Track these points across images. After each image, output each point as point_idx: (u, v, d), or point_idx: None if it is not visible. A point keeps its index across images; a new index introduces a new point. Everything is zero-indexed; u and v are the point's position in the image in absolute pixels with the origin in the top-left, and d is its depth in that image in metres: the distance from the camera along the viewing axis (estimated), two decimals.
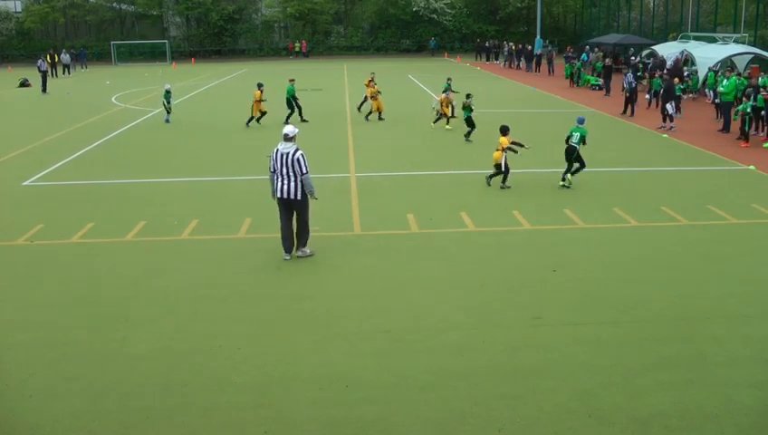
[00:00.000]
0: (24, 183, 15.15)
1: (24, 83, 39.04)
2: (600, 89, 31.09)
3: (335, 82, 37.37)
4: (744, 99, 19.24)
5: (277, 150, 9.93)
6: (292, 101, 22.18)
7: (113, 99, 31.50)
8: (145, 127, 23.21)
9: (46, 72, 37.09)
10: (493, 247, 10.49)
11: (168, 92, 23.35)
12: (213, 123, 23.52)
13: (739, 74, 23.87)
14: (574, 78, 34.40)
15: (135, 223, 11.84)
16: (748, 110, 18.81)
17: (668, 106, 20.78)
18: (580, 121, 13.90)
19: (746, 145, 18.39)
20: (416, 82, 37.31)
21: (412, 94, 30.50)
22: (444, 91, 21.64)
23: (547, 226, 11.47)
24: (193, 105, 29.06)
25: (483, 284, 9.06)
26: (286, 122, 20.44)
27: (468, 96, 19.50)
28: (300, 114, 22.48)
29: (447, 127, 21.26)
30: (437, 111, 21.81)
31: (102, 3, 64.24)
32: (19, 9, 63.29)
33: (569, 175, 13.91)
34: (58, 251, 10.63)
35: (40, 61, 38.12)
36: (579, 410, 6.12)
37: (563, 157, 13.97)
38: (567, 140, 13.85)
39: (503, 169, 14.00)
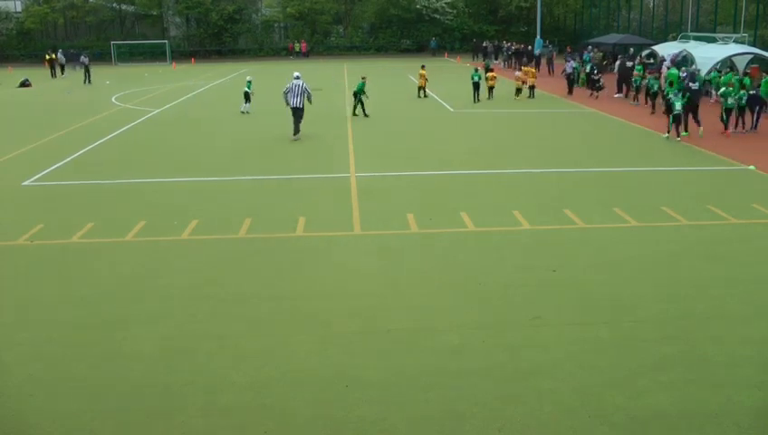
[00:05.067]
0: (24, 183, 15.15)
1: (24, 83, 39.01)
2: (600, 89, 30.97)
3: (335, 82, 37.37)
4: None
5: (293, 83, 19.22)
6: (359, 95, 24.23)
7: (113, 99, 31.50)
8: (145, 127, 23.22)
9: (88, 66, 39.74)
10: (493, 247, 10.49)
11: (249, 82, 25.32)
12: (214, 123, 23.52)
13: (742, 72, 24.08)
14: (573, 79, 34.22)
15: (135, 223, 11.83)
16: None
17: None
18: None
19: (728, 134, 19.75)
20: (415, 81, 37.19)
21: (412, 94, 30.48)
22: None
23: (547, 226, 11.47)
24: (194, 105, 29.07)
25: (483, 284, 9.06)
26: (355, 113, 24.17)
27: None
28: (362, 108, 24.26)
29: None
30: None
31: (102, 3, 64.24)
32: (19, 9, 63.33)
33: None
34: (58, 251, 10.63)
35: (83, 57, 40.96)
36: (579, 410, 6.12)
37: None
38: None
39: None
